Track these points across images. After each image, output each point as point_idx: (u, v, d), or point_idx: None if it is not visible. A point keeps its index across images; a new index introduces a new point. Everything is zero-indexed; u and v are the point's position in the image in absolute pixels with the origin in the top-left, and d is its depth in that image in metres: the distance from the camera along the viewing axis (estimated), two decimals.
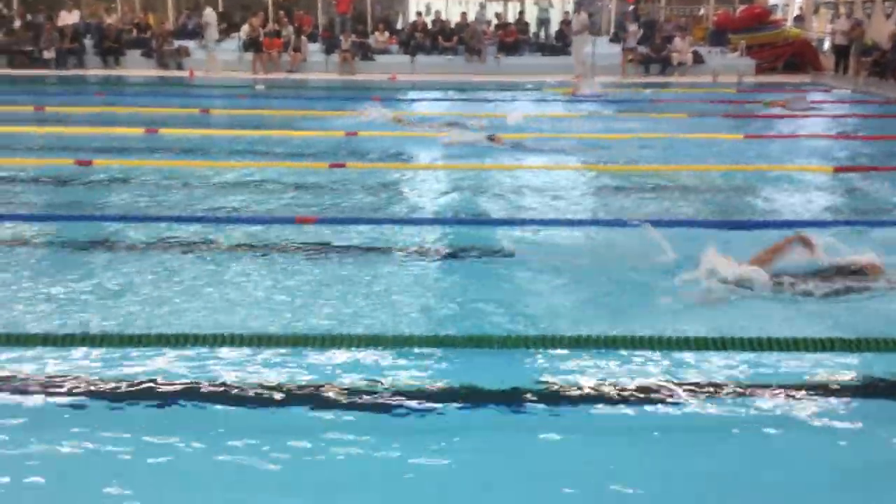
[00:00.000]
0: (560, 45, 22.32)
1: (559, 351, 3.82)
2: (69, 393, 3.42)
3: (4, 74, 19.72)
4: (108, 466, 2.90)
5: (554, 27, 23.49)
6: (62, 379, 3.52)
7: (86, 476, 2.88)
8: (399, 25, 25.16)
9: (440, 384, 3.58)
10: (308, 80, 19.92)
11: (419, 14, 23.81)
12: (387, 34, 22.48)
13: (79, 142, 9.90)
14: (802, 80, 19.60)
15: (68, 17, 21.64)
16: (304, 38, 21.75)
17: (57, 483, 2.82)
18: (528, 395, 3.44)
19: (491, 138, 9.64)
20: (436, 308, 4.48)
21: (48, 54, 20.69)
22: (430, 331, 4.10)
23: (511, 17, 25.01)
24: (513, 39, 22.23)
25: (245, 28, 21.56)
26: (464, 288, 4.85)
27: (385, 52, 22.02)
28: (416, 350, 3.82)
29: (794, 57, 21.53)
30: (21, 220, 6.16)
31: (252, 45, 21.03)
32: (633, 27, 21.53)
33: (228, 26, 22.65)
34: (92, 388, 3.47)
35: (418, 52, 21.64)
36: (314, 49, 21.96)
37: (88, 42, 21.45)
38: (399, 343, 3.86)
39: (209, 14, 21.07)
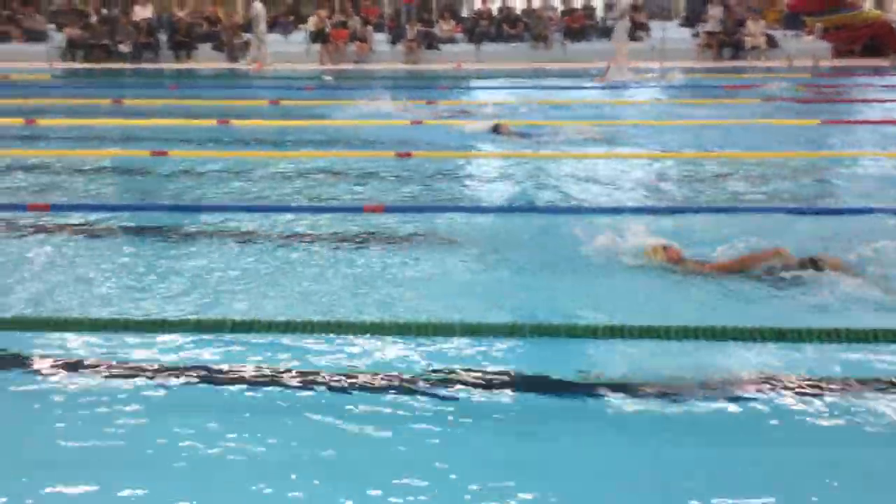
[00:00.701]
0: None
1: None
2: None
3: (82, 68, 20.39)
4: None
5: None
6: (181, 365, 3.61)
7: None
8: (464, 14, 25.08)
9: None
10: (374, 70, 20.04)
11: (484, 1, 23.68)
12: (452, 23, 22.44)
13: (154, 133, 10.17)
14: (881, 64, 18.82)
15: (142, 12, 22.22)
16: (369, 28, 21.88)
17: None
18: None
19: (496, 129, 9.52)
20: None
21: (124, 48, 21.31)
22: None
23: (578, 2, 24.68)
24: (579, 25, 21.95)
25: (312, 19, 21.80)
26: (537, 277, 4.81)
27: (450, 40, 22.01)
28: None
29: (873, 39, 20.59)
30: (100, 210, 6.35)
31: (319, 36, 21.26)
32: (715, 10, 20.73)
33: (296, 18, 22.93)
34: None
35: (483, 40, 21.56)
36: (380, 39, 22.08)
37: (162, 36, 22.01)
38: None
39: (258, 7, 21.34)
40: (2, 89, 15.58)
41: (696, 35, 21.19)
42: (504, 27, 21.86)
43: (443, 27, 22.29)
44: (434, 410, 3.22)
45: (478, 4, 24.25)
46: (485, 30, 21.85)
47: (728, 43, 20.35)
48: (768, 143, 9.14)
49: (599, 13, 23.45)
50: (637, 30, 21.37)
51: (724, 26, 20.50)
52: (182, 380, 3.46)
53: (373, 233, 5.65)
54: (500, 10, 22.84)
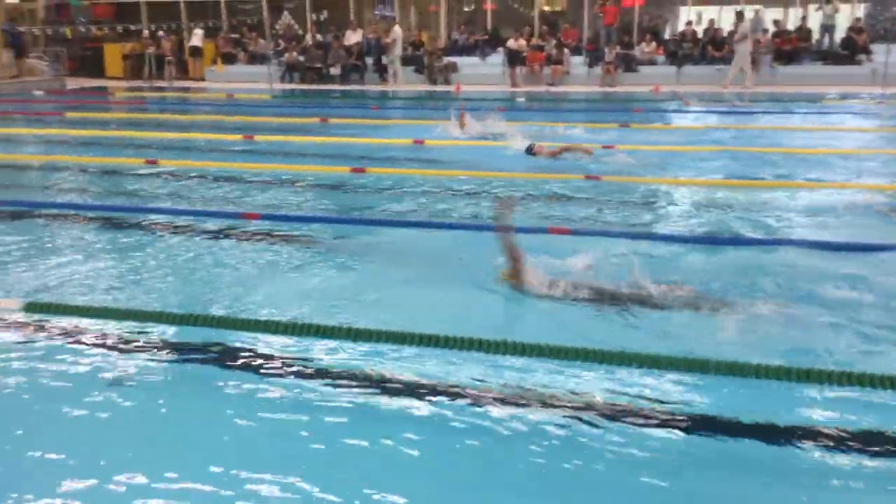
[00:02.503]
0: (847, 53, 20.37)
1: None
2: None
3: (297, 89, 21.94)
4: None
5: (840, 34, 21.48)
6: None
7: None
8: (666, 35, 24.44)
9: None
10: (567, 93, 20.00)
11: (689, 23, 22.93)
12: (653, 45, 21.92)
13: (354, 151, 10.71)
14: None
15: (353, 37, 23.56)
16: (566, 51, 21.88)
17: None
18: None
19: (530, 150, 9.62)
20: None
21: (334, 70, 22.73)
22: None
23: (791, 24, 23.27)
24: (791, 48, 20.69)
25: (510, 43, 22.14)
26: None
27: (650, 62, 21.51)
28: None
29: None
30: (304, 221, 6.76)
31: (515, 59, 21.55)
32: None
33: (495, 41, 23.39)
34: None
35: (686, 63, 20.89)
36: (577, 62, 22.00)
37: (369, 59, 23.24)
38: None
39: (396, 31, 22.12)
40: (226, 107, 17.09)
41: None
42: (708, 49, 21.05)
43: (643, 49, 21.83)
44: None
45: (682, 26, 23.52)
46: (688, 52, 21.17)
47: None
48: None
49: (816, 35, 21.96)
50: (858, 52, 19.89)
51: None
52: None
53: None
54: (707, 31, 21.99)
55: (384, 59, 22.65)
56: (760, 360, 3.55)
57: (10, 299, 4.48)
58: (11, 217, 7.04)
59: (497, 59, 22.55)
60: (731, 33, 20.55)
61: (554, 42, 22.11)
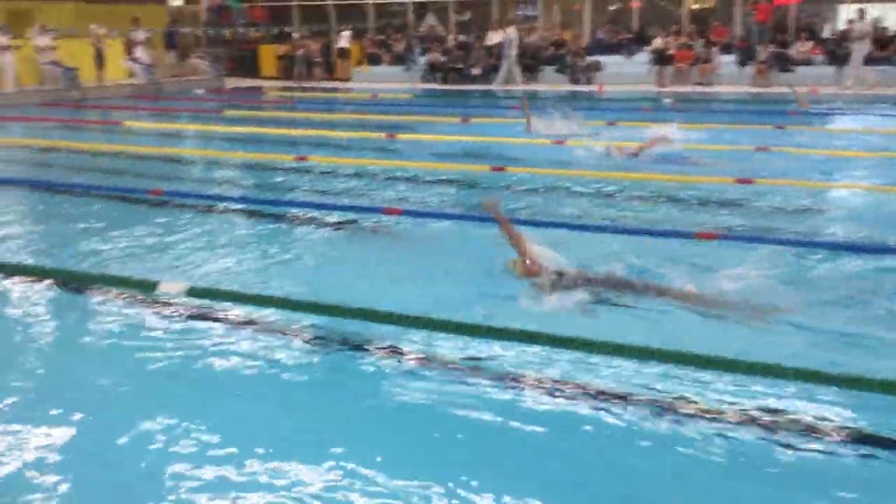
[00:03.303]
0: None
1: None
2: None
3: (439, 89, 22.27)
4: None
5: None
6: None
7: None
8: (825, 34, 23.04)
9: None
10: (716, 93, 19.26)
11: (850, 21, 21.51)
12: (810, 43, 20.73)
13: (494, 150, 10.74)
14: None
15: (494, 37, 23.64)
16: (714, 49, 21.07)
17: None
18: None
19: (609, 151, 9.55)
20: None
21: (475, 71, 22.90)
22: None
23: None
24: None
25: (657, 41, 21.57)
26: None
27: (806, 62, 20.36)
28: None
29: None
30: (444, 218, 6.84)
31: (662, 58, 20.97)
32: None
33: (640, 40, 22.85)
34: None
35: (846, 63, 19.63)
36: (727, 61, 21.14)
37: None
38: None
39: (511, 32, 22.04)
40: (370, 106, 17.58)
41: None
42: (872, 48, 19.68)
43: (799, 48, 20.69)
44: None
45: (842, 24, 22.11)
46: (849, 51, 19.87)
47: None
48: None
49: None
50: None
51: None
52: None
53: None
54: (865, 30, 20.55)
55: (501, 61, 22.71)
56: None
57: (175, 283, 4.78)
58: (175, 207, 7.53)
59: (643, 58, 22.02)
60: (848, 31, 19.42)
61: (703, 40, 21.34)
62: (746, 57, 20.72)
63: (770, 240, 5.89)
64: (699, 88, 20.15)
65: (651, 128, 10.46)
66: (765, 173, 8.44)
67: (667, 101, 17.78)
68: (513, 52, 22.21)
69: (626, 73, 21.79)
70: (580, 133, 11.23)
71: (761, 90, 19.37)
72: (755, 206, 7.16)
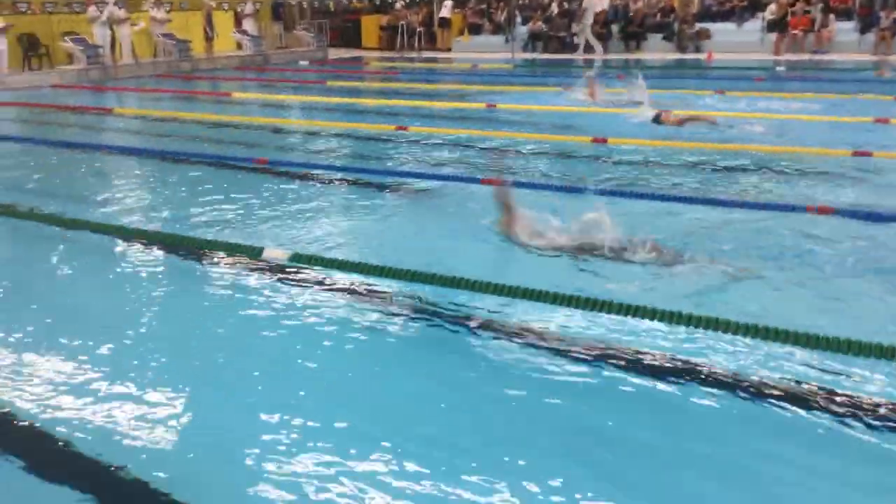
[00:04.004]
0: None
1: None
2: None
3: (539, 58, 21.95)
4: None
5: None
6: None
7: None
8: None
9: None
10: (833, 62, 18.25)
11: None
12: None
13: (592, 121, 10.51)
14: None
15: (599, 4, 23.08)
16: (831, 16, 19.93)
17: None
18: None
19: (657, 118, 9.78)
20: None
21: (577, 39, 22.44)
22: None
23: None
24: None
25: (771, 7, 20.57)
26: None
27: None
28: None
29: None
30: (543, 189, 6.76)
31: (777, 25, 20.00)
32: None
33: (753, 6, 21.83)
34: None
35: None
36: (847, 28, 19.98)
37: (614, 27, 22.68)
38: None
39: (589, 1, 21.48)
40: (470, 77, 17.50)
41: None
42: None
43: None
44: None
45: None
46: None
47: None
48: None
49: None
50: None
51: None
52: None
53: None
54: None
55: (573, 28, 22.27)
56: None
57: (279, 250, 4.92)
58: (279, 176, 7.73)
59: (755, 25, 21.05)
60: None
61: (821, 6, 20.21)
62: (867, 24, 19.52)
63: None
64: (816, 57, 19.14)
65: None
66: (887, 146, 7.96)
67: (780, 69, 16.97)
68: (588, 20, 21.76)
69: (736, 41, 20.92)
70: (640, 100, 11.11)
71: (882, 58, 18.22)
72: (872, 180, 6.77)
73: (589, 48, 21.95)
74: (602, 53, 21.67)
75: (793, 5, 20.30)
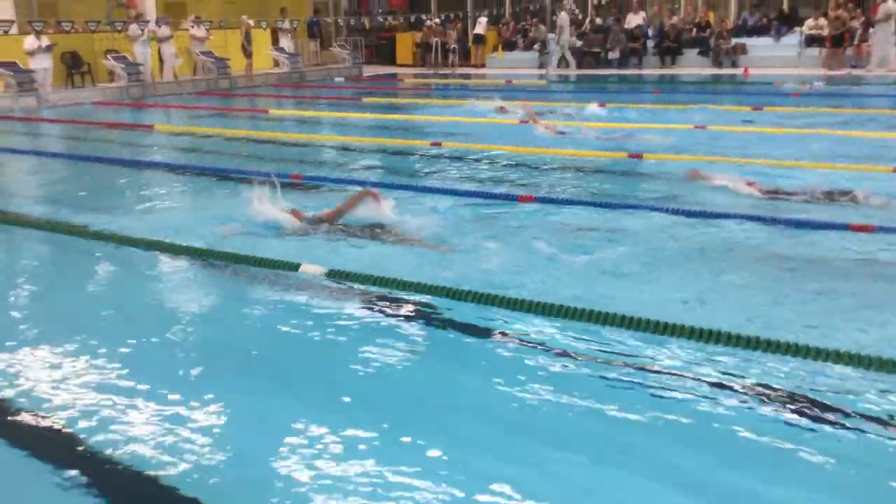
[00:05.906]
0: None
1: None
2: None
3: (573, 74, 21.93)
4: None
5: None
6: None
7: None
8: None
9: None
10: (874, 77, 17.98)
11: None
12: None
13: (631, 136, 10.47)
14: None
15: (634, 19, 23.04)
16: (871, 30, 19.66)
17: None
18: None
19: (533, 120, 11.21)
20: None
21: (612, 55, 22.40)
22: None
23: None
24: None
25: (809, 22, 20.37)
26: None
27: None
28: None
29: None
30: (581, 206, 6.74)
31: (815, 40, 19.77)
32: None
33: (791, 21, 21.64)
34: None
35: None
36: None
37: (650, 43, 22.60)
38: None
39: (563, 17, 22.27)
40: (504, 93, 17.53)
41: None
42: None
43: None
44: None
45: None
46: None
47: None
48: None
49: None
50: None
51: None
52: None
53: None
54: None
55: (554, 46, 22.90)
56: None
57: (317, 266, 4.95)
58: (313, 191, 7.79)
59: (792, 39, 20.85)
60: None
61: (862, 19, 19.94)
62: None
63: None
64: (855, 72, 18.88)
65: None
66: None
67: (818, 84, 16.77)
68: (565, 37, 22.18)
69: (773, 56, 20.74)
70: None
71: None
72: None
73: (563, 62, 22.49)
74: (574, 69, 22.16)
75: (832, 19, 20.05)
